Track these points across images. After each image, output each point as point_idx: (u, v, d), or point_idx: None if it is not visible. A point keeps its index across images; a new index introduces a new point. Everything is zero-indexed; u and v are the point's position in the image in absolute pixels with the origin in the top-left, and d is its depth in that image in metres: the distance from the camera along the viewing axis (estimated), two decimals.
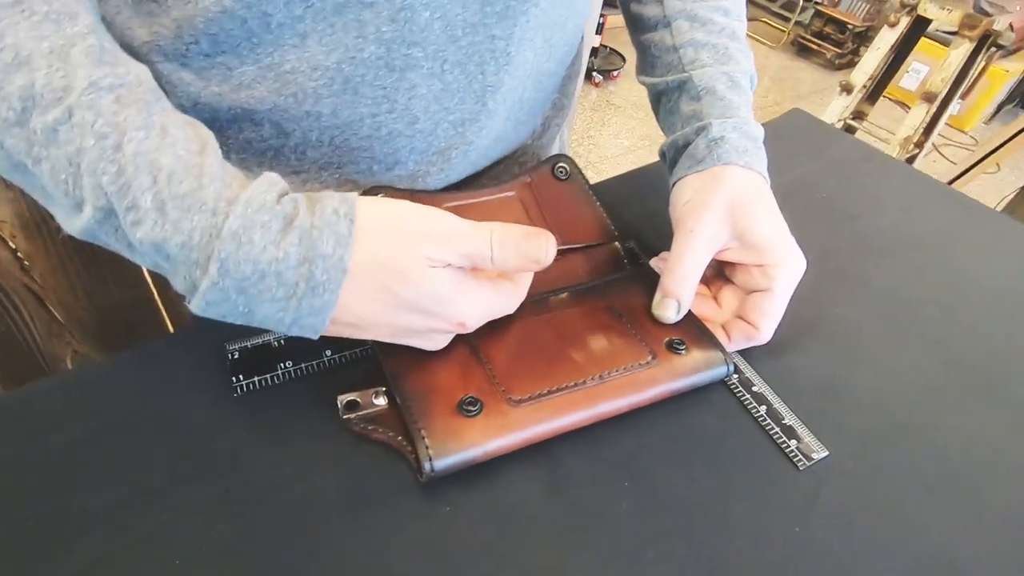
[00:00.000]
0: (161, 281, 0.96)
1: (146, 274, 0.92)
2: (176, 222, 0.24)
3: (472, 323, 0.31)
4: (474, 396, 0.30)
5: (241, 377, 0.32)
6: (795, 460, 0.32)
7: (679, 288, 0.35)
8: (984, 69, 2.04)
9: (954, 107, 2.02)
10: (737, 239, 0.36)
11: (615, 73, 2.56)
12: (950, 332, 0.41)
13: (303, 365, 0.33)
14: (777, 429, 0.34)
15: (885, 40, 1.87)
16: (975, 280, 0.46)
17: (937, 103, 1.81)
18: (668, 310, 0.35)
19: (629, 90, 2.59)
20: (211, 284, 0.25)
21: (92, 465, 0.28)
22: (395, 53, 0.32)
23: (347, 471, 0.29)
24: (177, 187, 0.25)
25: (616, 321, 0.35)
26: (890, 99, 2.42)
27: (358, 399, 0.31)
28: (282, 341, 0.34)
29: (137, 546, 0.26)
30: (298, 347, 0.33)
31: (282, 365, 0.33)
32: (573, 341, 0.34)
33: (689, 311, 0.36)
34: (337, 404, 0.30)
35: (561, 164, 0.41)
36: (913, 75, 2.48)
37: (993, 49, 1.83)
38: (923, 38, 2.05)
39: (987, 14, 1.71)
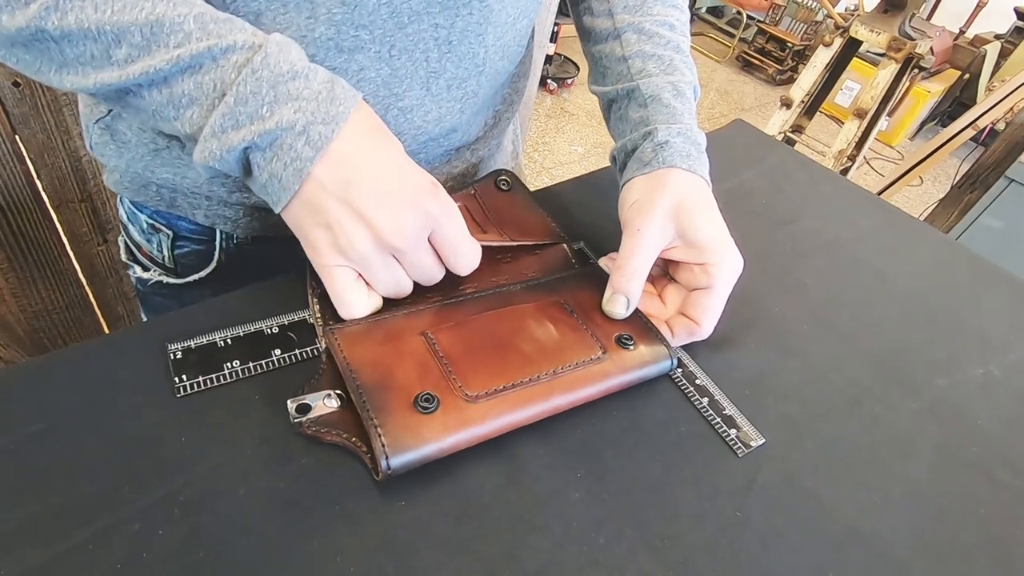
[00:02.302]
0: (97, 282, 0.91)
1: (80, 275, 0.87)
2: (220, 34, 0.28)
3: (412, 240, 0.32)
4: (431, 392, 0.30)
5: (184, 378, 0.31)
6: (735, 448, 0.34)
7: (628, 284, 0.36)
8: (908, 89, 2.20)
9: (882, 123, 2.16)
10: (681, 238, 0.38)
11: (569, 81, 2.61)
12: (867, 327, 0.44)
13: (251, 365, 0.32)
14: (719, 419, 0.35)
15: (820, 58, 1.99)
16: (894, 280, 0.50)
17: (867, 119, 1.94)
18: (618, 306, 0.37)
19: (583, 98, 2.64)
20: (251, 73, 0.28)
21: (19, 475, 0.27)
22: (344, 35, 0.33)
23: (296, 472, 0.29)
24: (216, 15, 0.29)
25: (567, 316, 0.36)
26: (826, 114, 2.57)
27: (309, 402, 0.30)
28: (228, 341, 0.33)
29: (69, 557, 0.25)
30: (245, 347, 0.33)
31: (228, 365, 0.32)
32: (527, 336, 0.34)
33: (636, 308, 0.37)
34: (288, 407, 0.30)
35: (503, 177, 0.44)
36: (847, 92, 2.65)
37: (916, 71, 1.98)
38: (855, 58, 2.19)
39: (911, 38, 1.85)
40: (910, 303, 0.48)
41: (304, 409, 0.30)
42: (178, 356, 0.32)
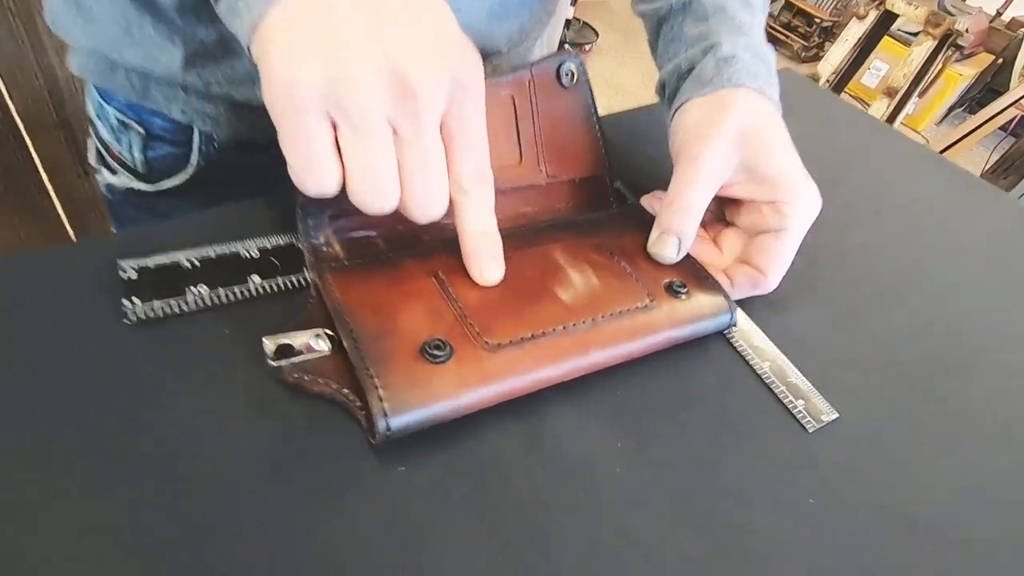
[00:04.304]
0: (77, 216, 0.82)
1: (59, 209, 0.81)
2: None
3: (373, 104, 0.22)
4: (441, 339, 0.24)
5: (136, 301, 0.25)
6: (803, 421, 0.28)
7: (680, 222, 0.30)
8: (942, 69, 2.10)
9: (910, 106, 2.07)
10: (746, 171, 0.31)
11: (587, 47, 2.50)
12: (939, 295, 0.38)
13: (221, 292, 0.26)
14: (783, 387, 0.29)
15: (853, 32, 1.89)
16: (963, 243, 0.43)
17: (898, 98, 1.85)
18: (667, 248, 0.30)
19: (603, 65, 2.54)
20: None
21: None
22: None
23: (275, 427, 0.23)
24: None
25: (608, 259, 0.30)
26: (850, 95, 2.47)
27: (292, 342, 0.24)
28: (196, 262, 0.27)
29: None
30: (216, 270, 0.27)
31: (193, 291, 0.26)
32: (560, 279, 0.28)
33: (688, 253, 0.31)
34: (264, 346, 0.24)
35: (568, 65, 0.33)
36: (874, 73, 2.54)
37: (952, 50, 1.88)
38: (886, 37, 2.09)
39: (950, 14, 1.75)
40: (984, 269, 0.41)
41: (286, 351, 0.24)
42: (131, 276, 0.26)
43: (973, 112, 2.49)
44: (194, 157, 0.40)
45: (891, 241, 0.42)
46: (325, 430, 0.23)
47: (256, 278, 0.27)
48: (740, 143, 0.31)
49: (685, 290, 0.29)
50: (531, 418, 0.26)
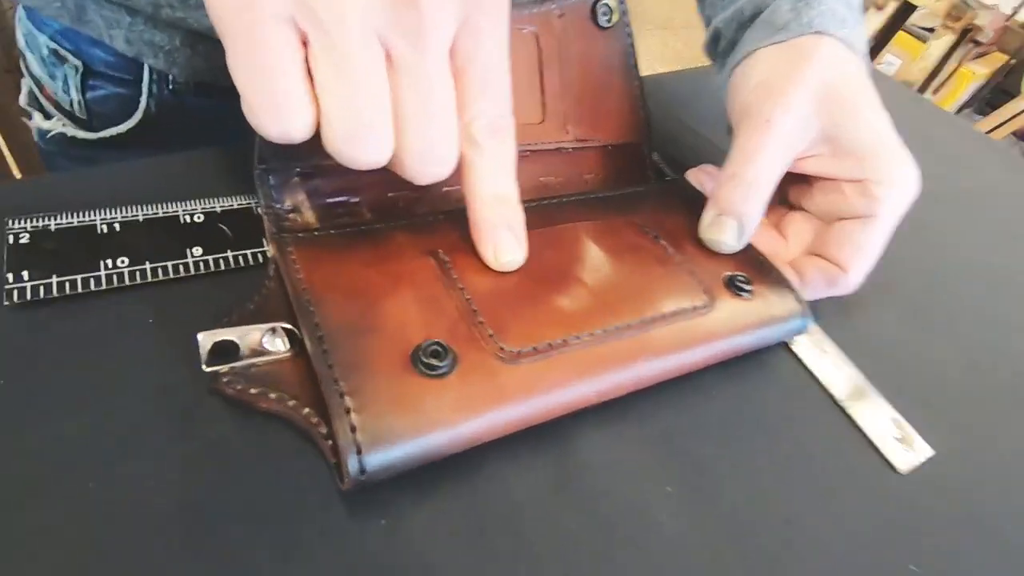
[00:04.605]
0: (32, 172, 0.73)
1: (9, 160, 0.73)
2: None
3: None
4: (441, 343, 0.18)
5: (25, 276, 0.18)
6: (893, 459, 0.22)
7: (744, 201, 0.24)
8: (958, 66, 2.04)
9: None
10: (828, 142, 0.25)
11: None
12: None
13: (148, 267, 0.20)
14: (863, 413, 0.24)
15: (870, 23, 1.82)
16: None
17: None
18: (725, 233, 0.24)
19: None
20: None
21: None
22: None
23: (206, 459, 0.17)
24: None
25: (653, 244, 0.24)
26: None
27: (236, 339, 0.18)
28: (116, 226, 0.20)
29: None
30: (143, 238, 0.20)
31: (108, 264, 0.19)
32: (595, 267, 0.22)
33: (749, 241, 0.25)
34: (198, 344, 0.18)
35: (605, 2, 0.27)
36: (887, 67, 2.48)
37: (971, 45, 1.83)
38: (900, 31, 2.03)
39: (970, 8, 1.69)
40: None
41: (226, 351, 0.18)
42: (22, 240, 0.19)
43: (982, 113, 2.44)
44: (143, 101, 0.33)
45: (969, 234, 0.36)
46: (276, 464, 0.17)
47: (197, 251, 0.20)
48: (823, 105, 0.24)
49: (750, 287, 0.23)
50: (553, 449, 0.19)
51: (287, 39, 0.16)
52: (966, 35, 1.74)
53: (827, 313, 0.27)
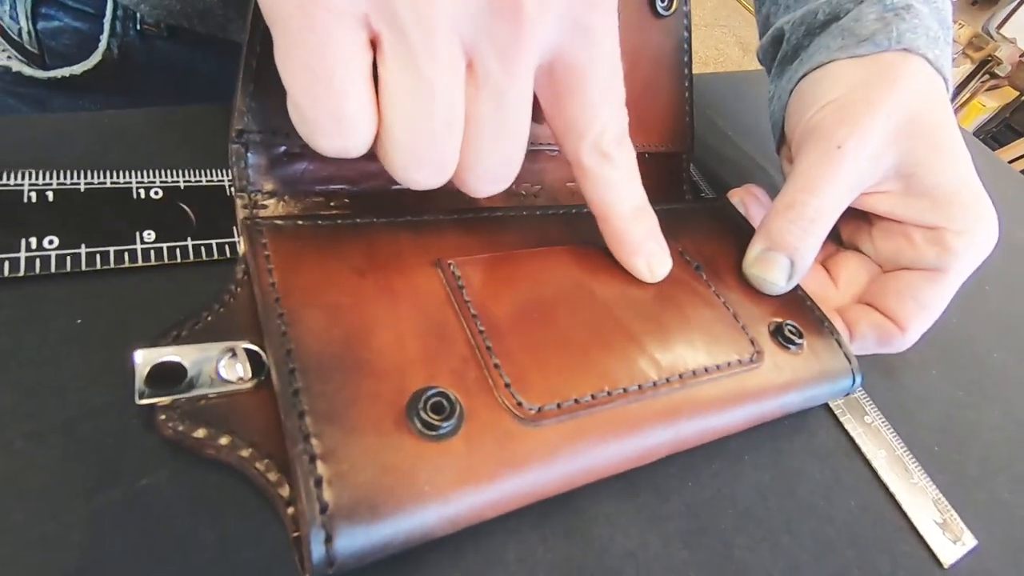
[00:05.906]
0: None
1: None
2: None
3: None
4: (447, 392, 0.14)
5: None
6: (936, 548, 0.20)
7: (800, 237, 0.21)
8: (971, 96, 2.03)
9: None
10: (902, 179, 0.22)
11: None
12: None
13: (84, 252, 0.16)
14: (904, 492, 0.21)
15: None
16: None
17: None
18: (774, 271, 0.21)
19: None
20: None
21: None
22: None
23: (127, 508, 0.13)
24: None
25: (696, 279, 0.21)
26: None
27: (183, 360, 0.14)
28: (48, 194, 0.16)
29: None
30: (82, 213, 0.16)
31: (31, 243, 0.15)
32: (635, 302, 0.19)
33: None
34: (134, 365, 0.14)
35: None
36: None
37: (986, 77, 1.81)
38: None
39: (992, 39, 1.67)
40: None
41: (171, 376, 0.14)
42: None
43: (989, 148, 2.45)
44: (104, 39, 0.28)
45: (1019, 289, 0.33)
46: (220, 528, 0.13)
47: (150, 235, 0.17)
48: (903, 137, 0.21)
49: (799, 339, 0.20)
50: (558, 527, 0.16)
51: (356, 40, 0.13)
52: (984, 67, 1.72)
53: (864, 366, 0.24)
